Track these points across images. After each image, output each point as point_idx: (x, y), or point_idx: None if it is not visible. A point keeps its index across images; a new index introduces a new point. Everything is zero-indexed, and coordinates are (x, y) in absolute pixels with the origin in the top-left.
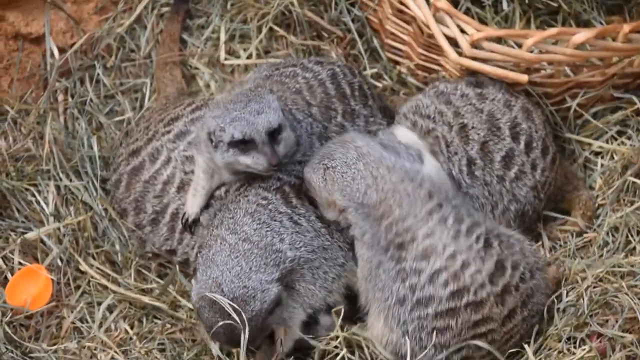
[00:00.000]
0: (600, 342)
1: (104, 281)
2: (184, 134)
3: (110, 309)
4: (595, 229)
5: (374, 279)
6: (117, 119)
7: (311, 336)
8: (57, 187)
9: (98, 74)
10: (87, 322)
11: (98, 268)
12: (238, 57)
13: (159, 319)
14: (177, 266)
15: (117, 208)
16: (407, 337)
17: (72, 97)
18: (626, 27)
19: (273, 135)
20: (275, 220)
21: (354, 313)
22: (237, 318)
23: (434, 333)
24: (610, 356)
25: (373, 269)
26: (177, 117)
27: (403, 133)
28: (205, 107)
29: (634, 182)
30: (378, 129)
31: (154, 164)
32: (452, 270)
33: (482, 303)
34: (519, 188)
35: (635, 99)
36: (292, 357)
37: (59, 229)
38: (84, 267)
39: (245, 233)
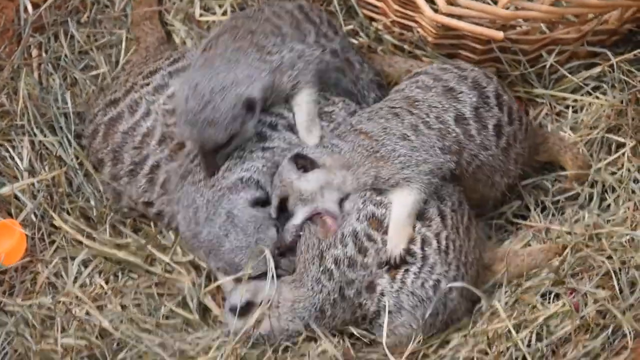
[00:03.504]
0: (573, 297)
1: (78, 236)
2: (163, 87)
3: (85, 264)
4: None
5: None
6: (92, 73)
7: None
8: (32, 143)
9: (72, 30)
10: (62, 277)
11: (72, 223)
12: (214, 13)
13: (134, 274)
14: (153, 223)
15: (94, 159)
16: None
17: (46, 52)
18: None
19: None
20: None
21: None
22: None
23: None
24: (582, 311)
25: None
26: (155, 69)
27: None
28: (183, 59)
29: (608, 138)
30: (354, 60)
31: (133, 115)
32: None
33: None
34: (508, 159)
35: (610, 54)
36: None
37: (33, 184)
38: (58, 222)
39: None
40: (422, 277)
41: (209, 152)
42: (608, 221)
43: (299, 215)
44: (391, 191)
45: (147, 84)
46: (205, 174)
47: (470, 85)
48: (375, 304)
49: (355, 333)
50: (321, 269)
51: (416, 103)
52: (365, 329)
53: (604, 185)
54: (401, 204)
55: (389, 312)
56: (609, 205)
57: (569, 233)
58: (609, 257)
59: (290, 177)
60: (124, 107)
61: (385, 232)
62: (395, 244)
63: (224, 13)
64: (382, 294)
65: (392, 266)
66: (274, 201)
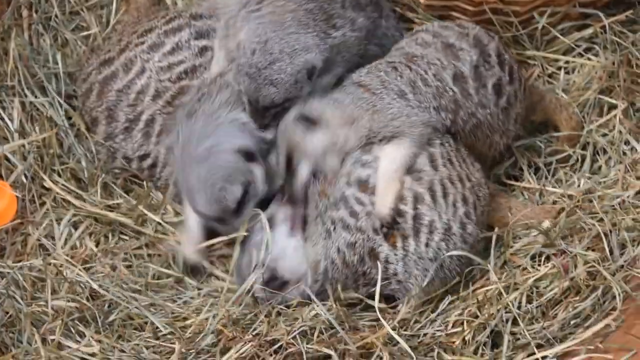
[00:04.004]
0: (564, 259)
1: (68, 197)
2: (158, 46)
3: (75, 225)
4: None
5: None
6: (83, 34)
7: None
8: (22, 104)
9: None
10: (53, 239)
11: (63, 185)
12: None
13: (126, 236)
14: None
15: (87, 118)
16: None
17: (37, 12)
18: None
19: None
20: None
21: None
22: None
23: None
24: (572, 272)
25: None
26: (151, 28)
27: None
28: (179, 18)
29: (600, 100)
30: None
31: (127, 73)
32: None
33: None
34: (508, 118)
35: (602, 15)
36: None
37: (23, 145)
38: (48, 183)
39: None
40: (423, 239)
41: (261, 108)
42: (599, 183)
43: (304, 172)
44: (382, 147)
45: (142, 43)
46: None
47: (472, 42)
48: (383, 272)
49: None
50: (322, 228)
51: (415, 59)
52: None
53: (595, 147)
54: (388, 158)
55: (399, 281)
56: (600, 167)
57: (564, 196)
58: (600, 220)
59: (294, 138)
60: (119, 65)
61: (373, 193)
62: (382, 203)
63: None
64: (387, 261)
65: (387, 228)
66: (282, 158)
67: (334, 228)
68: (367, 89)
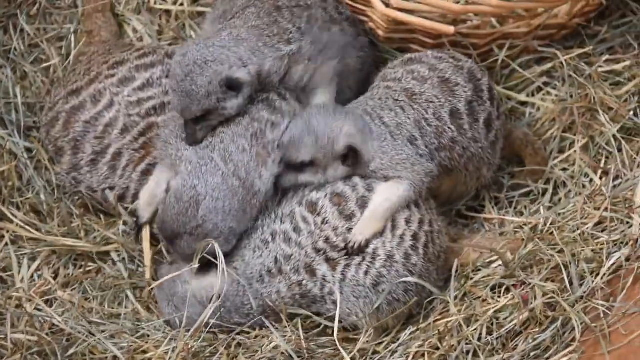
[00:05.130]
0: (523, 289)
1: (26, 232)
2: (129, 80)
3: (34, 257)
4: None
5: None
6: (42, 66)
7: None
8: None
9: (22, 23)
10: (12, 272)
11: (22, 218)
12: (165, 1)
13: (83, 266)
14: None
15: (52, 147)
16: None
17: None
18: None
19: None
20: None
21: None
22: None
23: None
24: (531, 303)
25: None
26: (122, 61)
27: None
28: (153, 54)
29: (562, 136)
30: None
31: (95, 105)
32: None
33: None
34: (495, 152)
35: (559, 53)
36: None
37: None
38: (8, 216)
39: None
40: (364, 267)
41: (187, 121)
42: (559, 214)
43: (304, 178)
44: (379, 183)
45: (112, 75)
46: (187, 142)
47: (467, 77)
48: (318, 288)
49: (309, 315)
50: (262, 237)
51: (414, 97)
52: (316, 313)
53: (556, 182)
54: (384, 196)
55: (334, 302)
56: (560, 199)
57: (525, 225)
58: (560, 251)
59: (332, 166)
60: (87, 96)
61: (319, 216)
62: (360, 232)
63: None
64: (324, 279)
65: (346, 254)
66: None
67: (273, 239)
68: (385, 125)
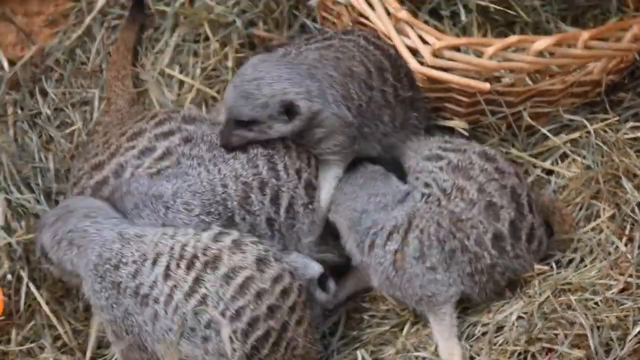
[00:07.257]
0: (549, 358)
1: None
2: (150, 151)
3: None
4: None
5: None
6: (67, 130)
7: None
8: (7, 200)
9: (47, 87)
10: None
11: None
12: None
13: None
14: None
15: None
16: None
17: (22, 109)
18: (585, 34)
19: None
20: None
21: None
22: None
23: None
24: None
25: None
26: (140, 131)
27: None
28: (170, 120)
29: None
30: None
31: (117, 180)
32: None
33: None
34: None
35: (585, 121)
36: None
37: (9, 243)
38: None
39: None
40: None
41: (229, 122)
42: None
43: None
44: None
45: (132, 147)
46: (219, 142)
47: (509, 196)
48: None
49: None
50: None
51: (459, 223)
52: None
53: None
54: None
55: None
56: (585, 266)
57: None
58: (585, 316)
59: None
60: (109, 172)
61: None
62: None
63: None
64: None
65: None
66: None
67: None
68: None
